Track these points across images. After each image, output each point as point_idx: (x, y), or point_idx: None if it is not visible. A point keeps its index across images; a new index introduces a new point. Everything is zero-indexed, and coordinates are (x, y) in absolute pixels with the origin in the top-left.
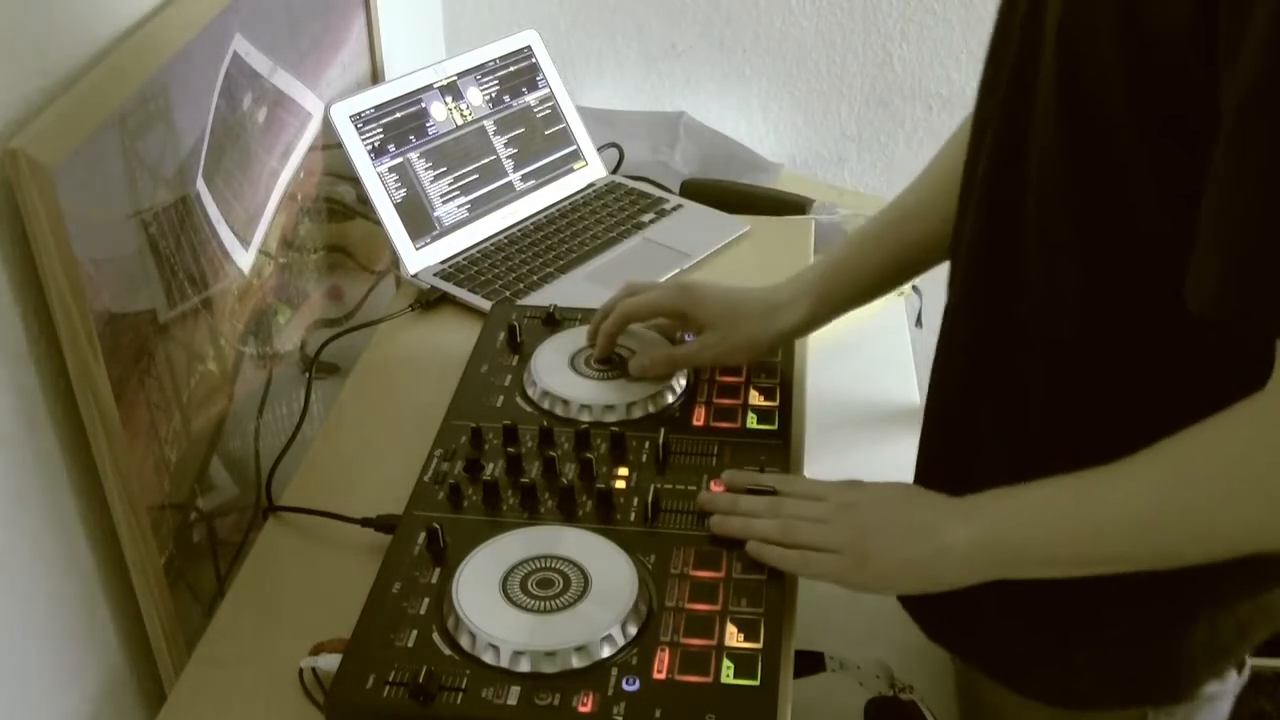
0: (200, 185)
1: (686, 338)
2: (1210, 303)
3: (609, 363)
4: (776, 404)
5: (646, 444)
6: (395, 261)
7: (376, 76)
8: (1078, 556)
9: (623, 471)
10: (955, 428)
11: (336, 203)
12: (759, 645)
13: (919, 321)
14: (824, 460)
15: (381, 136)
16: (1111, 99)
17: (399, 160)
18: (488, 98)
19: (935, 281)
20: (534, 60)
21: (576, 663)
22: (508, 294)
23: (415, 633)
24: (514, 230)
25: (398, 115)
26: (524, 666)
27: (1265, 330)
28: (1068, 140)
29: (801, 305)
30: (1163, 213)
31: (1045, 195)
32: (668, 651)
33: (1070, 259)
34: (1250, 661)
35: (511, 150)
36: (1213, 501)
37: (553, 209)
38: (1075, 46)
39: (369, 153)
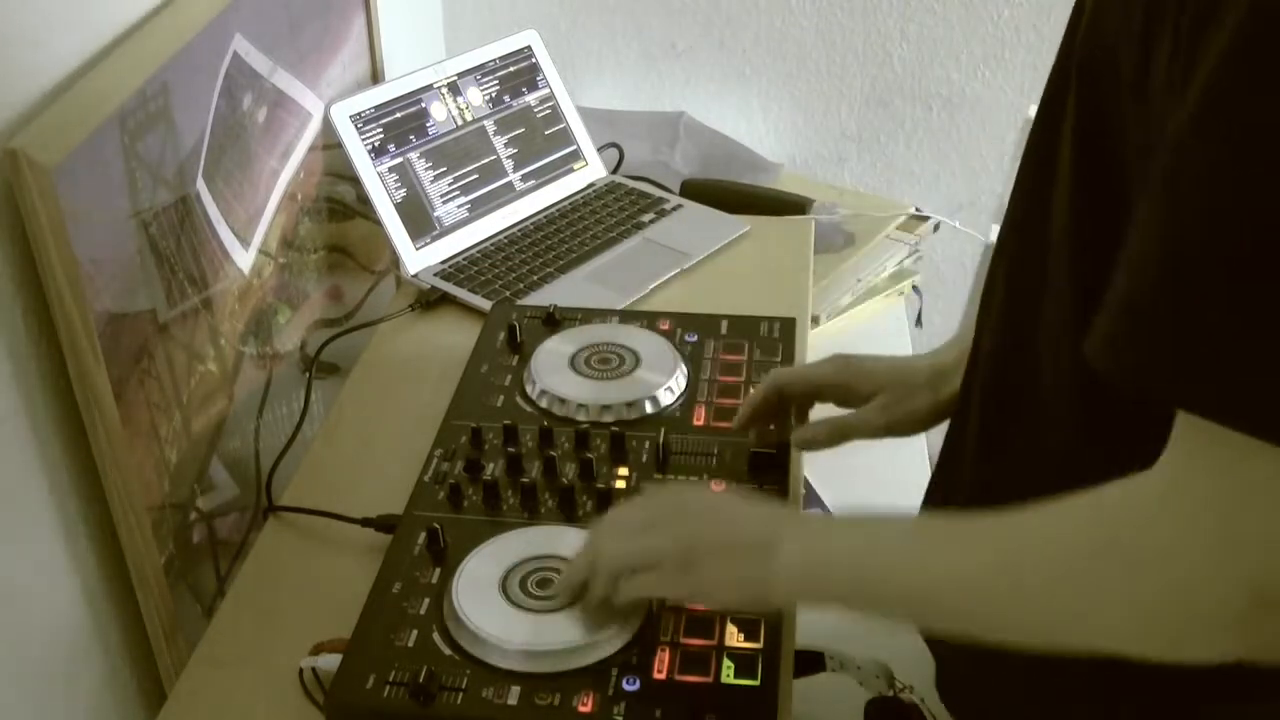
0: (200, 185)
1: (687, 338)
2: (1093, 353)
3: (609, 362)
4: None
5: (646, 444)
6: (395, 261)
7: (376, 76)
8: (903, 609)
9: (623, 471)
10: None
11: (336, 203)
12: (759, 645)
13: (919, 321)
14: (824, 461)
15: (381, 136)
16: (1122, 155)
17: (399, 160)
18: (488, 98)
19: (936, 282)
20: (534, 60)
21: (576, 663)
22: (508, 294)
23: (415, 633)
24: (514, 230)
25: (398, 115)
26: (524, 666)
27: (1138, 391)
28: (1082, 190)
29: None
30: None
31: (1059, 244)
32: (668, 651)
33: (1078, 319)
34: None
35: (511, 150)
36: (1046, 585)
37: (553, 209)
38: (1096, 101)
39: (369, 153)
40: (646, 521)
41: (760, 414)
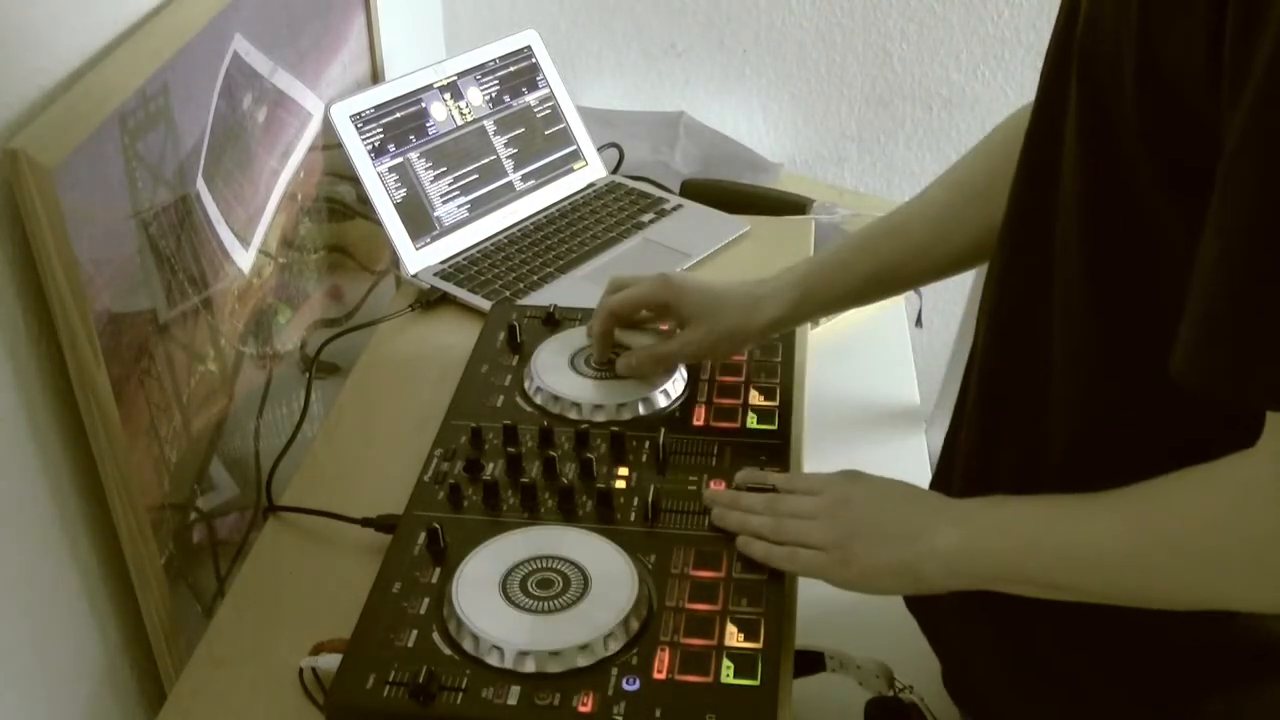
0: (200, 185)
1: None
2: (1179, 372)
3: (609, 362)
4: (776, 404)
5: (646, 444)
6: (395, 261)
7: (376, 76)
8: (1051, 582)
9: (623, 471)
10: (973, 471)
11: (336, 203)
12: (759, 645)
13: (919, 321)
14: (824, 461)
15: (381, 136)
16: (1132, 147)
17: (399, 160)
18: (488, 98)
19: (936, 283)
20: (534, 60)
21: (577, 663)
22: (508, 294)
23: (415, 633)
24: (514, 230)
25: (398, 115)
26: (524, 666)
27: (1233, 401)
28: (1091, 190)
29: (785, 299)
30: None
31: (1066, 242)
32: (668, 651)
33: (1089, 316)
34: None
35: (511, 150)
36: (1179, 559)
37: (553, 209)
38: (1098, 98)
39: (369, 153)
40: (818, 509)
41: (611, 344)
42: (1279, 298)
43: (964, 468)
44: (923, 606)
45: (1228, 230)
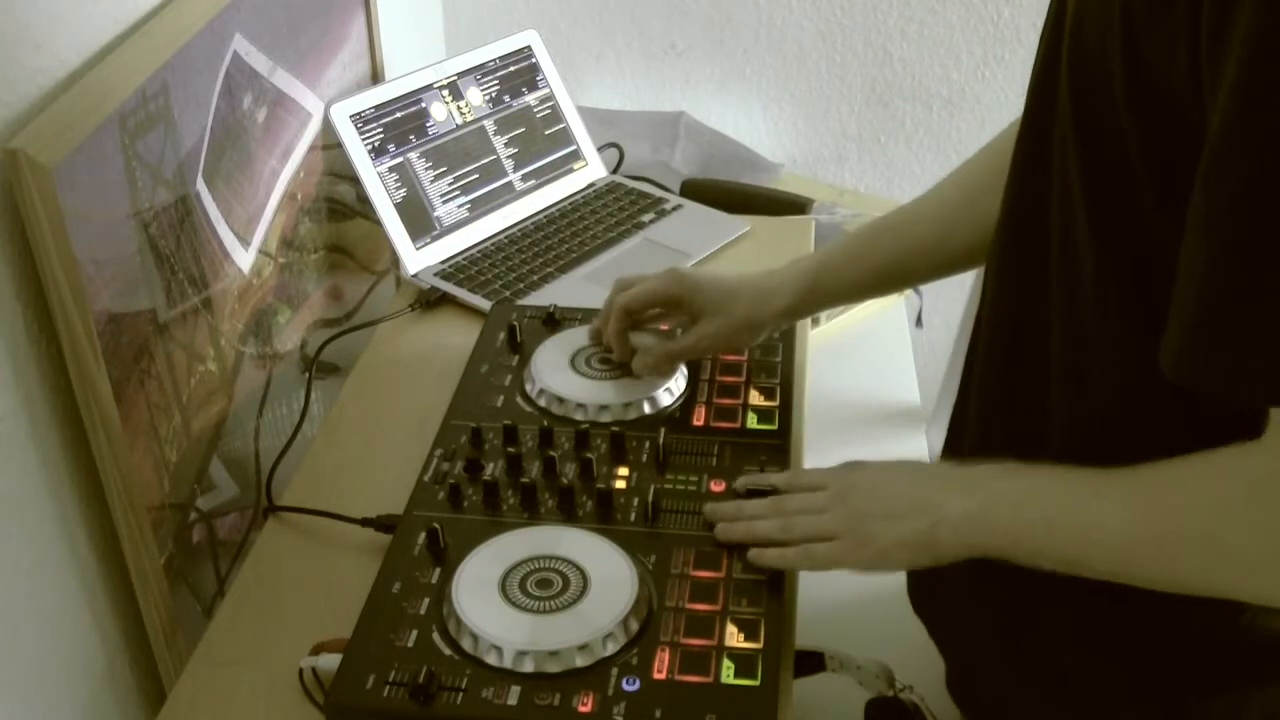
0: (200, 185)
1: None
2: (1171, 371)
3: (610, 362)
4: (776, 404)
5: (646, 444)
6: (395, 261)
7: (376, 76)
8: (1062, 557)
9: (623, 471)
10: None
11: (336, 203)
12: (759, 645)
13: (919, 321)
14: (824, 461)
15: (381, 136)
16: (1125, 148)
17: (399, 160)
18: (488, 98)
19: (936, 283)
20: (534, 60)
21: (577, 663)
22: (508, 294)
23: (415, 633)
24: (514, 230)
25: (398, 115)
26: (524, 667)
27: (1228, 400)
28: (1085, 191)
29: (796, 288)
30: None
31: (1062, 242)
32: (668, 651)
33: (1086, 316)
34: None
35: (511, 150)
36: (1183, 544)
37: (553, 209)
38: (1087, 100)
39: (369, 153)
40: (824, 502)
41: (627, 342)
42: (1265, 294)
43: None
44: (929, 608)
45: (1211, 227)
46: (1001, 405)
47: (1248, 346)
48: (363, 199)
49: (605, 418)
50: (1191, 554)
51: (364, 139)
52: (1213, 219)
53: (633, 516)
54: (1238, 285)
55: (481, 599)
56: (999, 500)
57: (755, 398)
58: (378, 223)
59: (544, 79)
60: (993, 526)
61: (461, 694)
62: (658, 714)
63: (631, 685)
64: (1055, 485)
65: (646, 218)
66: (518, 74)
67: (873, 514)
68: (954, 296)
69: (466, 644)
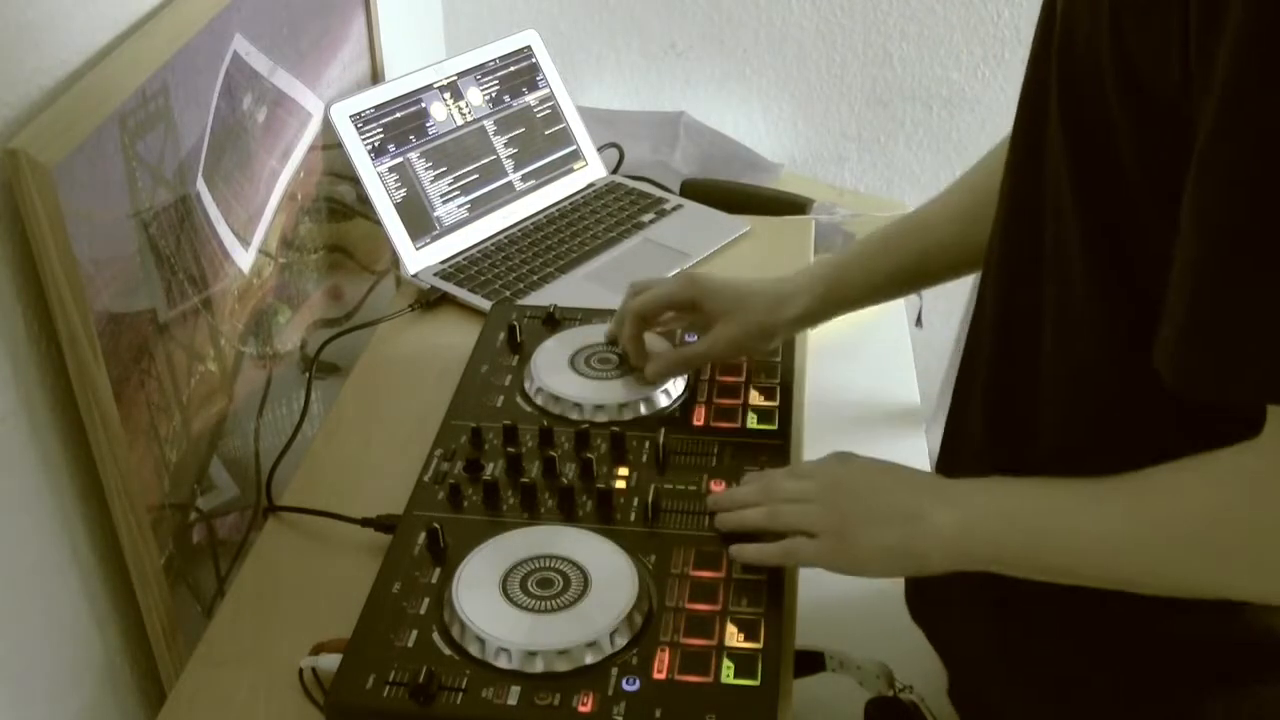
0: (200, 185)
1: (688, 338)
2: (1165, 371)
3: (610, 362)
4: (776, 404)
5: (646, 444)
6: (395, 261)
7: (376, 76)
8: (1052, 566)
9: (623, 471)
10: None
11: (336, 203)
12: (759, 645)
13: (919, 321)
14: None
15: (381, 136)
16: (1114, 147)
17: (399, 160)
18: (488, 98)
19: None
20: (534, 60)
21: (576, 663)
22: (508, 294)
23: (415, 633)
24: (514, 230)
25: (398, 115)
26: (524, 666)
27: (1225, 400)
28: (1080, 192)
29: (811, 293)
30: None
31: (1060, 239)
32: (668, 651)
33: (1082, 316)
34: None
35: (511, 150)
36: (1180, 549)
37: (553, 209)
38: (1079, 105)
39: (369, 153)
40: (811, 493)
41: (642, 347)
42: (1258, 290)
43: (965, 470)
44: (928, 616)
45: (1202, 224)
46: (998, 405)
47: (1243, 344)
48: (363, 199)
49: (605, 418)
50: (1189, 558)
51: (364, 139)
52: (1203, 215)
53: (633, 516)
54: (1230, 281)
55: (482, 599)
56: (987, 511)
57: (755, 398)
58: (378, 223)
59: (544, 79)
60: (981, 538)
61: (461, 694)
62: (658, 714)
63: (631, 685)
64: (1044, 496)
65: (646, 218)
66: (518, 74)
67: (855, 515)
68: (954, 296)
69: (467, 644)
